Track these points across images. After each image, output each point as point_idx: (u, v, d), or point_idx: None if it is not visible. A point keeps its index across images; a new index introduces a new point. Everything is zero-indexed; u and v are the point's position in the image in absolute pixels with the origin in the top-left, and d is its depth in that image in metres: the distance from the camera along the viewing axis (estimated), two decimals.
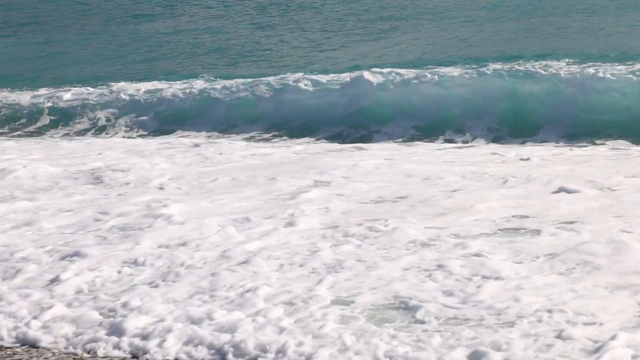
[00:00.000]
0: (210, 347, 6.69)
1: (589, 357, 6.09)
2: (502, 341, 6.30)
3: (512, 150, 13.73)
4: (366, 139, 16.50)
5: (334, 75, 19.14)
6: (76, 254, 8.85)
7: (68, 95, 20.71)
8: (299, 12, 28.83)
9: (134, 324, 7.07)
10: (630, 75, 16.36)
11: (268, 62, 22.75)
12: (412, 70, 18.35)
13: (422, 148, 14.49)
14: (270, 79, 19.35)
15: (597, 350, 6.18)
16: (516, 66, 17.72)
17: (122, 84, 20.99)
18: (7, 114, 20.53)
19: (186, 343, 6.76)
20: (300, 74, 19.33)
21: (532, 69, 17.23)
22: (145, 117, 19.40)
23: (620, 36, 21.05)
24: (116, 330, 7.05)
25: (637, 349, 6.11)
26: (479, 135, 15.95)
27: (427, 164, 12.52)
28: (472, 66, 18.25)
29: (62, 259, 8.77)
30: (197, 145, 15.68)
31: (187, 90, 19.74)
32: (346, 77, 18.60)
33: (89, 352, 6.84)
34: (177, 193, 11.47)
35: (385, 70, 18.35)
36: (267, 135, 17.48)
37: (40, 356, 6.87)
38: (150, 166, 13.27)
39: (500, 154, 13.40)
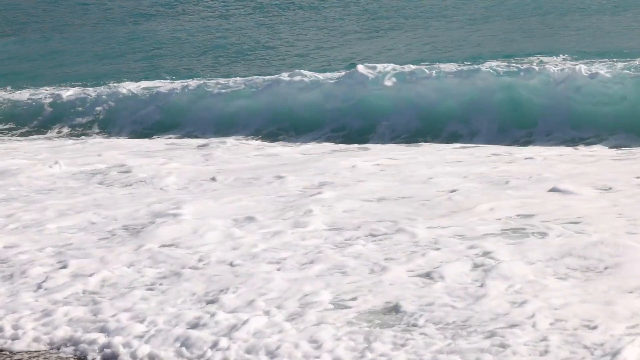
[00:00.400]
0: (209, 348, 6.65)
1: None
2: (507, 347, 6.20)
3: (515, 150, 13.73)
4: (367, 133, 16.52)
5: (332, 73, 19.15)
6: (80, 254, 8.86)
7: (69, 94, 20.72)
8: (298, 11, 28.83)
9: (135, 326, 7.06)
10: (627, 71, 16.32)
11: (266, 61, 22.79)
12: (410, 66, 18.37)
13: (427, 148, 14.45)
14: (269, 77, 19.36)
15: (608, 355, 6.11)
16: (515, 64, 17.74)
17: (124, 83, 21.00)
18: (7, 114, 20.54)
19: (186, 345, 6.72)
20: (300, 71, 19.34)
21: (532, 67, 17.22)
22: (146, 118, 19.42)
23: (620, 35, 21.10)
24: (116, 333, 7.02)
25: None
26: (481, 135, 15.95)
27: (431, 164, 12.51)
28: (471, 64, 18.26)
29: (65, 259, 8.75)
30: (202, 145, 15.68)
31: (188, 90, 19.75)
32: (344, 73, 18.61)
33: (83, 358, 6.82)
34: (184, 193, 11.46)
35: (383, 66, 18.38)
36: (268, 134, 17.49)
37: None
38: (157, 166, 13.26)
39: (502, 154, 13.40)
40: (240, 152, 14.76)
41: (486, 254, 8.07)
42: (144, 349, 6.75)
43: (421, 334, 6.57)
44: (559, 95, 16.30)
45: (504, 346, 6.25)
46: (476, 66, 17.87)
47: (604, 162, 12.25)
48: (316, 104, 18.10)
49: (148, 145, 15.92)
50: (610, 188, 10.37)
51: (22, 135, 19.27)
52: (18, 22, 31.42)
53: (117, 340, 6.88)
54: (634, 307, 6.78)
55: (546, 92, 16.49)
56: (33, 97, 20.91)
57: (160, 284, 7.94)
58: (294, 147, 15.22)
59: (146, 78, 21.69)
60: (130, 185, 12.25)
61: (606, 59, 17.42)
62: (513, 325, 6.56)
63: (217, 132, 18.06)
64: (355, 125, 17.31)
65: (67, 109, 20.25)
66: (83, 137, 18.34)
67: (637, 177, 10.90)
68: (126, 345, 6.82)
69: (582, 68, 16.63)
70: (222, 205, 10.59)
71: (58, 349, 6.92)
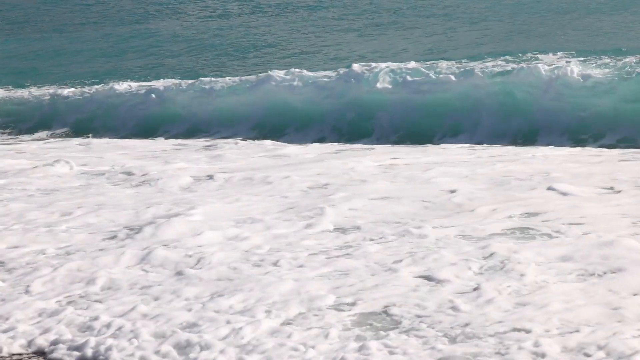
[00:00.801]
0: (209, 349, 6.63)
1: None
2: (510, 352, 6.14)
3: (519, 150, 13.72)
4: (364, 132, 16.52)
5: (331, 71, 19.16)
6: (82, 255, 8.87)
7: (70, 94, 20.72)
8: (298, 11, 28.82)
9: (144, 327, 7.05)
10: (628, 68, 16.33)
11: (266, 61, 22.78)
12: (409, 65, 18.37)
13: (432, 148, 14.43)
14: (263, 74, 19.37)
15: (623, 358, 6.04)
16: (514, 63, 17.76)
17: (124, 83, 20.99)
18: (8, 113, 20.54)
19: (187, 346, 6.69)
20: (297, 70, 19.35)
21: (529, 65, 17.22)
22: (148, 117, 19.42)
23: (619, 34, 21.11)
24: (114, 335, 7.00)
25: None
26: (481, 135, 15.96)
27: (435, 164, 12.50)
28: (469, 63, 18.27)
29: (66, 259, 8.76)
30: (209, 146, 15.66)
31: (189, 89, 19.74)
32: (342, 71, 18.62)
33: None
34: (189, 194, 11.46)
35: (382, 65, 18.38)
36: (269, 133, 17.50)
37: None
38: (162, 167, 13.24)
39: (506, 154, 13.39)
40: (246, 152, 14.74)
41: (491, 255, 8.04)
42: (143, 351, 6.71)
43: (423, 336, 6.52)
44: (559, 95, 16.28)
45: (507, 351, 6.18)
46: (473, 65, 17.92)
47: (609, 162, 12.23)
48: (313, 102, 18.10)
49: (152, 146, 15.91)
50: (612, 188, 10.35)
51: (24, 134, 19.26)
52: (17, 21, 31.38)
53: (115, 343, 6.83)
54: None
55: (546, 91, 16.48)
56: (35, 96, 20.95)
57: (160, 285, 7.92)
58: (300, 148, 15.15)
59: (147, 77, 21.72)
60: (136, 186, 12.25)
61: (607, 57, 17.44)
62: (517, 329, 6.48)
63: (217, 131, 18.07)
64: (351, 124, 17.32)
65: (68, 108, 20.27)
66: (86, 137, 18.29)
67: None
68: (122, 348, 6.76)
69: (577, 67, 16.64)
70: (228, 206, 10.59)
71: (53, 351, 6.85)
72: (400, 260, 8.10)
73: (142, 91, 20.23)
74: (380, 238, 8.86)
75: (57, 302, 7.69)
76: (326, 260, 8.28)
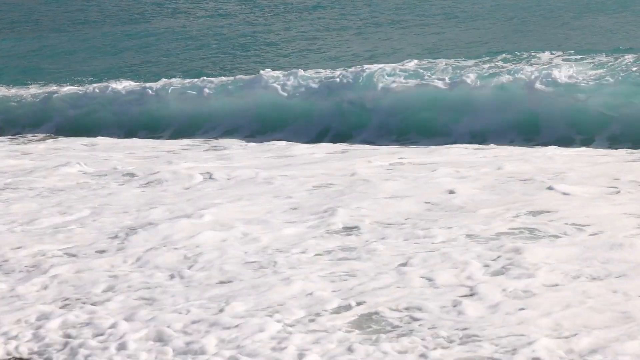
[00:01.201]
0: (209, 351, 6.61)
1: None
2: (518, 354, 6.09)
3: (522, 150, 13.75)
4: (361, 132, 16.55)
5: (329, 70, 19.14)
6: (84, 256, 8.86)
7: (71, 93, 20.70)
8: (297, 11, 28.80)
9: (135, 329, 7.02)
10: (634, 68, 16.33)
11: (266, 60, 22.77)
12: (407, 64, 18.36)
13: (436, 148, 14.40)
14: (268, 75, 19.34)
15: None
16: (511, 63, 17.76)
17: (126, 82, 20.97)
18: (9, 113, 20.51)
19: (186, 350, 6.67)
20: (295, 70, 19.35)
21: (525, 65, 17.22)
22: (149, 118, 19.40)
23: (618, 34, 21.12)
24: (112, 337, 6.97)
25: None
26: (481, 135, 15.97)
27: (441, 165, 12.49)
28: (468, 62, 18.27)
29: (67, 260, 8.76)
30: (215, 147, 15.66)
31: (189, 89, 19.72)
32: (346, 71, 18.60)
33: None
34: (198, 195, 11.42)
35: (380, 65, 18.38)
36: (269, 134, 17.49)
37: None
38: (170, 167, 13.22)
39: (509, 154, 13.40)
40: (251, 152, 14.74)
41: (498, 258, 8.00)
42: (142, 353, 6.69)
43: (425, 338, 6.49)
44: (559, 94, 16.27)
45: (514, 353, 6.14)
46: (470, 63, 17.91)
47: (615, 162, 12.23)
48: (308, 102, 18.08)
49: (158, 146, 15.91)
50: (618, 188, 10.35)
51: (27, 134, 19.24)
52: (17, 20, 31.34)
53: (113, 344, 6.82)
54: None
55: (546, 91, 16.47)
56: (34, 95, 20.89)
57: (160, 287, 7.91)
58: (307, 148, 15.14)
59: (147, 77, 21.69)
60: (141, 186, 12.20)
61: (606, 56, 17.44)
62: (522, 335, 6.43)
63: (217, 130, 18.07)
64: (352, 124, 17.31)
65: (68, 108, 20.24)
66: (88, 136, 18.26)
67: None
68: (121, 348, 6.76)
69: (578, 67, 16.65)
70: (233, 206, 10.57)
71: (51, 353, 6.82)
72: (406, 262, 8.09)
73: (142, 91, 20.18)
74: (386, 239, 8.84)
75: (53, 304, 7.66)
76: (330, 262, 8.27)
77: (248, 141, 16.49)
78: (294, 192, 11.14)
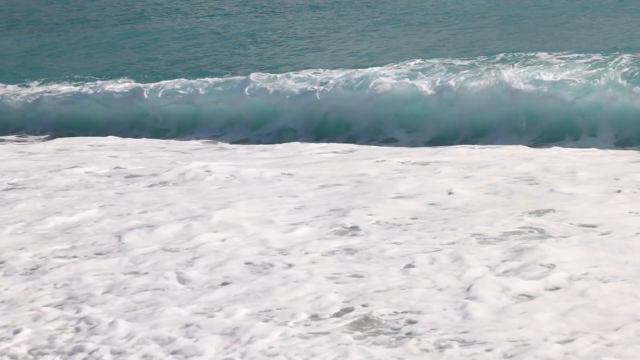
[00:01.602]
0: (209, 354, 6.59)
1: None
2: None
3: (527, 151, 13.71)
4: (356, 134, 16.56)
5: (329, 70, 19.14)
6: (87, 256, 8.86)
7: (70, 92, 20.68)
8: (297, 11, 28.81)
9: (134, 330, 7.02)
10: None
11: (266, 59, 22.78)
12: (406, 64, 18.36)
13: (441, 149, 14.36)
14: (264, 76, 19.34)
15: None
16: (514, 63, 17.77)
17: (127, 82, 20.96)
18: (10, 112, 20.50)
19: (186, 352, 6.63)
20: (298, 71, 19.35)
21: (524, 65, 17.23)
22: (150, 118, 19.41)
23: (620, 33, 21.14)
24: (111, 338, 6.94)
25: None
26: (487, 135, 15.98)
27: (446, 165, 12.48)
28: (468, 63, 18.28)
29: (68, 261, 8.74)
30: (221, 147, 15.66)
31: (189, 89, 19.72)
32: (350, 73, 18.57)
33: None
34: (204, 195, 11.40)
35: (378, 68, 18.39)
36: (268, 134, 17.50)
37: None
38: (177, 168, 13.15)
39: (514, 154, 13.35)
40: (256, 153, 14.75)
41: (504, 260, 7.96)
42: (141, 356, 6.66)
43: (426, 342, 6.46)
44: (560, 94, 16.26)
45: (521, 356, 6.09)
46: (469, 62, 17.92)
47: (620, 163, 12.24)
48: (299, 105, 18.07)
49: (163, 146, 15.91)
50: (623, 189, 10.32)
51: (29, 135, 19.23)
52: (16, 19, 31.32)
53: (113, 346, 6.78)
54: None
55: (547, 91, 16.46)
56: (34, 94, 20.88)
57: (160, 288, 7.89)
58: (313, 147, 15.12)
59: (147, 76, 21.69)
60: (146, 186, 12.19)
61: (603, 55, 17.45)
62: (528, 340, 6.36)
63: (225, 132, 18.08)
64: (351, 125, 17.31)
65: (68, 106, 20.24)
66: (94, 137, 18.26)
67: None
68: (121, 351, 6.72)
69: (579, 67, 16.65)
70: (238, 206, 10.55)
71: (50, 354, 6.79)
72: (411, 263, 8.07)
73: (141, 90, 20.18)
74: (392, 239, 8.81)
75: (54, 305, 7.65)
76: (335, 263, 8.24)
77: (253, 141, 16.48)
78: (299, 192, 11.13)
